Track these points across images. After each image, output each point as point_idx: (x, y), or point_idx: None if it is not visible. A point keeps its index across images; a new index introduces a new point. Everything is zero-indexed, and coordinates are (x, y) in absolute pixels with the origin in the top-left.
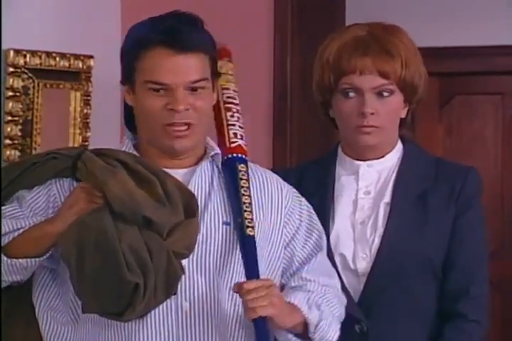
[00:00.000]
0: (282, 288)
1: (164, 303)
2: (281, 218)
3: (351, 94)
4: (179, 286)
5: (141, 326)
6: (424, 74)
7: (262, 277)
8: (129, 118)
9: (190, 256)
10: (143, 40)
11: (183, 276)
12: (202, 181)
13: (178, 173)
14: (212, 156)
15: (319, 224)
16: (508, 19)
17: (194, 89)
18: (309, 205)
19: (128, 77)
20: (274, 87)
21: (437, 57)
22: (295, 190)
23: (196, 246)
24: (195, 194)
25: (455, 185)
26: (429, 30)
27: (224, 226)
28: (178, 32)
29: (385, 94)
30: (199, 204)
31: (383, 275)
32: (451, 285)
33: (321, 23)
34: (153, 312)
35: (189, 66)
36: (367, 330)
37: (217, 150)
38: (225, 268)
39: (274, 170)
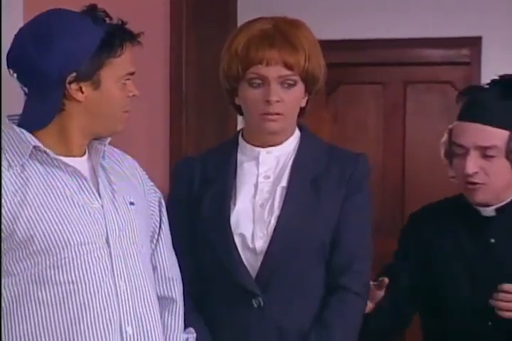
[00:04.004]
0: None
1: (105, 287)
2: (144, 190)
3: (258, 83)
4: (115, 268)
5: (85, 312)
6: (323, 66)
7: None
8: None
9: (117, 239)
10: (118, 38)
11: (113, 256)
12: (100, 166)
13: (82, 160)
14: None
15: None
16: (385, 15)
17: None
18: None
19: (91, 74)
20: (171, 77)
21: (324, 49)
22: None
23: (119, 229)
24: (103, 178)
25: (346, 170)
26: (315, 23)
27: (131, 207)
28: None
29: (289, 83)
30: (108, 188)
31: (278, 253)
32: (336, 261)
33: (214, 15)
34: (94, 296)
35: None
36: (263, 305)
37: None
38: (139, 244)
39: (181, 158)
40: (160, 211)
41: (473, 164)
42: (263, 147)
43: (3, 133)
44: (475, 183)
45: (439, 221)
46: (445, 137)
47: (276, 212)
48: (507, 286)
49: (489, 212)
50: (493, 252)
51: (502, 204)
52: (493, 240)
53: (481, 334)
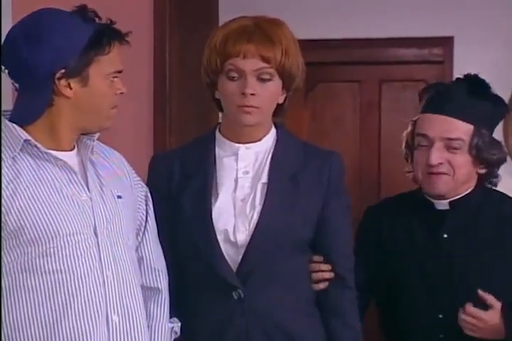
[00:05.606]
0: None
1: (92, 276)
2: (131, 185)
3: (235, 76)
4: (102, 258)
5: (73, 301)
6: (301, 64)
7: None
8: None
9: (104, 230)
10: (107, 36)
11: (100, 247)
12: (89, 160)
13: (71, 154)
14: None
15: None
16: (362, 15)
17: None
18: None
19: (79, 70)
20: (155, 76)
21: (303, 48)
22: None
23: (106, 221)
24: (91, 172)
25: (322, 168)
26: (294, 23)
27: (118, 200)
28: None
29: (266, 77)
30: (96, 182)
31: (259, 247)
32: (337, 261)
33: (197, 16)
34: (82, 285)
35: None
36: (243, 297)
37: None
38: (126, 236)
39: (161, 152)
40: (146, 205)
41: (438, 155)
42: (242, 143)
43: None
44: (439, 173)
45: (395, 217)
46: (409, 128)
47: (258, 207)
48: (469, 309)
49: (443, 205)
50: (445, 248)
51: (456, 197)
52: (445, 235)
53: (432, 330)
